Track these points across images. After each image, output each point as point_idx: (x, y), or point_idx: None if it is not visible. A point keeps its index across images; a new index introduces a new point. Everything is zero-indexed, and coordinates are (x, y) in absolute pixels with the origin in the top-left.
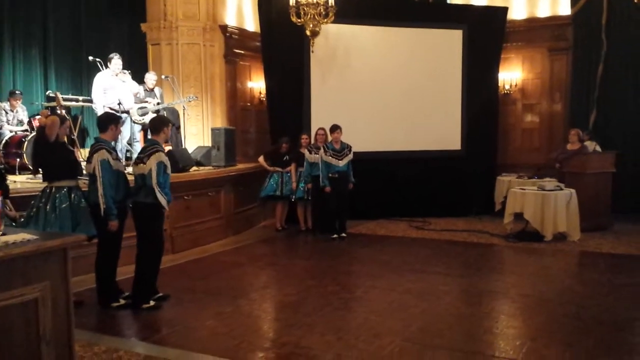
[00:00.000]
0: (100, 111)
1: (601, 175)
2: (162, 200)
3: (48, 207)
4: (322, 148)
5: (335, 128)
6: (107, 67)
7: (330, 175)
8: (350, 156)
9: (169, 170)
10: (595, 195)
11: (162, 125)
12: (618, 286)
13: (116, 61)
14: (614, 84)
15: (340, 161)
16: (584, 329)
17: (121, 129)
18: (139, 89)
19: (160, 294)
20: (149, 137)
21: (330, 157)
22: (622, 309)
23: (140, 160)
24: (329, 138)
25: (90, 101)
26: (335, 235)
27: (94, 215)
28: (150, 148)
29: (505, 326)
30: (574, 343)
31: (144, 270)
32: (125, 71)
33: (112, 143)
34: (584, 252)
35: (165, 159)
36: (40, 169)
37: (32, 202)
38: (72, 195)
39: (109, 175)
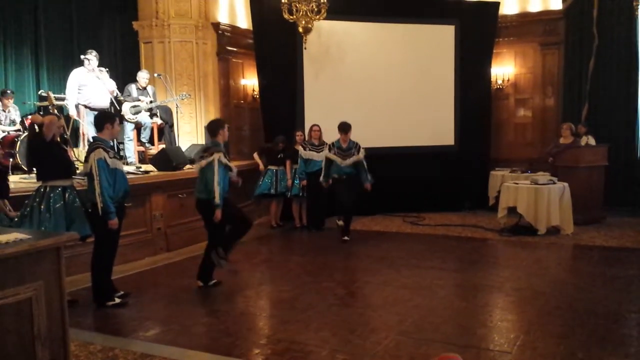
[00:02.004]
0: (72, 108)
1: (594, 169)
2: (217, 192)
3: (42, 206)
4: (327, 146)
5: (348, 128)
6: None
7: (335, 176)
8: (360, 156)
9: (229, 167)
10: (588, 188)
11: (219, 127)
12: (611, 278)
13: (91, 57)
14: (606, 78)
15: (344, 161)
16: (577, 322)
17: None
18: (115, 87)
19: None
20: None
21: (334, 155)
22: (615, 301)
23: (203, 157)
24: (323, 134)
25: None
26: (340, 222)
27: (92, 215)
28: (212, 148)
29: (500, 319)
30: (568, 335)
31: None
32: (102, 69)
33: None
34: (577, 245)
35: (224, 159)
36: (34, 168)
37: (26, 201)
38: (67, 195)
39: (106, 174)
